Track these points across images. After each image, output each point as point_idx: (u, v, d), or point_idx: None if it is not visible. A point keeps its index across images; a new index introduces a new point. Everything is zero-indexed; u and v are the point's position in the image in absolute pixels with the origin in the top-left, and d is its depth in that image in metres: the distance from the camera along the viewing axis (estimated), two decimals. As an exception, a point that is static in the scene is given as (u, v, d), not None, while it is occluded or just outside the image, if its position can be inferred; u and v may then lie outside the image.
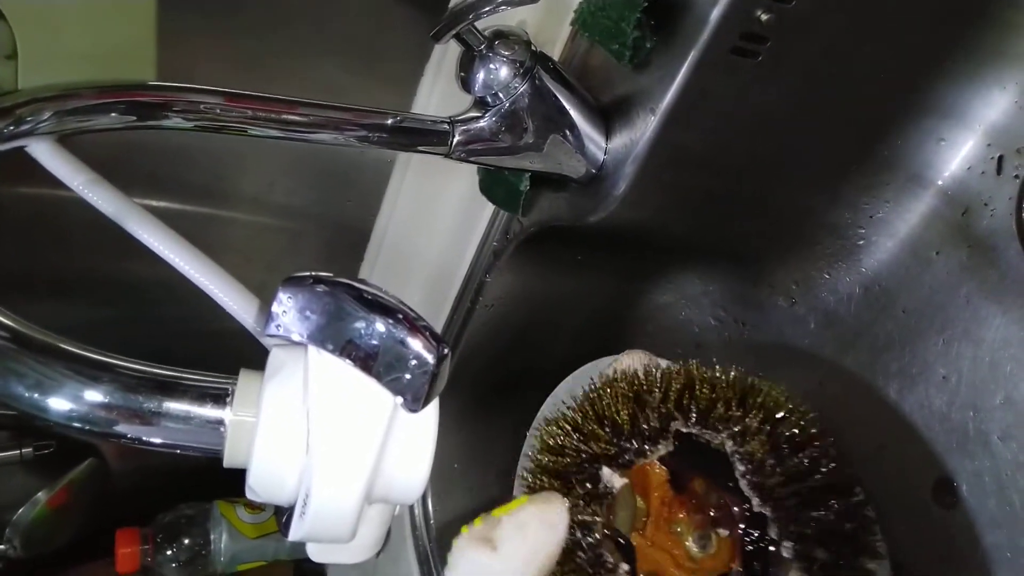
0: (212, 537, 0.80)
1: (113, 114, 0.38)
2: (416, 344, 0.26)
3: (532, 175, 0.53)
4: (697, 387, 0.34)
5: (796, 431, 0.34)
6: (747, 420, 0.33)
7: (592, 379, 0.39)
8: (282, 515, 0.29)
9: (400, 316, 0.26)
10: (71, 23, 0.41)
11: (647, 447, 0.33)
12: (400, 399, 0.26)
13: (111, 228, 0.37)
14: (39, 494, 0.72)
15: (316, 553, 0.30)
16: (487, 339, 0.64)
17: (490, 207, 0.60)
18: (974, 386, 0.48)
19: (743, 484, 0.32)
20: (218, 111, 0.41)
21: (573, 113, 0.47)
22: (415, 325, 0.26)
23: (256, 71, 0.57)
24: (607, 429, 0.34)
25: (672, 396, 0.34)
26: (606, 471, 0.33)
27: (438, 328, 0.67)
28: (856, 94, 0.48)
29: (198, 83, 0.41)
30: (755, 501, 0.32)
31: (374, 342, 0.26)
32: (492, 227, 0.61)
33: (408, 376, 0.26)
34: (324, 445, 0.26)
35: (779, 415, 0.34)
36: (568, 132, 0.47)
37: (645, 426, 0.33)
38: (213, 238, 0.67)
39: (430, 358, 0.26)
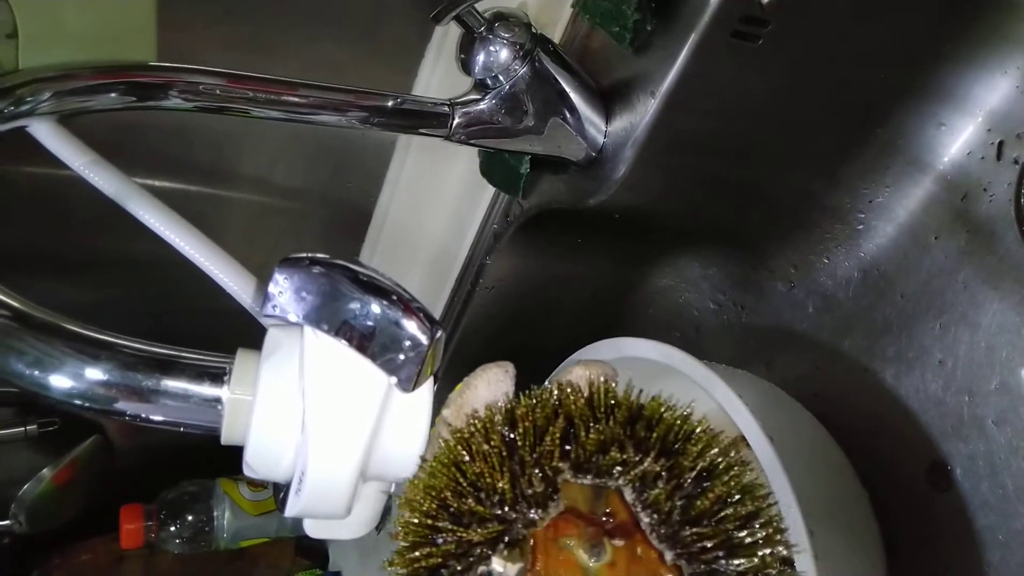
0: (215, 514, 0.81)
1: (113, 94, 0.39)
2: (411, 326, 0.26)
3: (532, 158, 0.53)
4: (578, 424, 0.28)
5: (699, 463, 0.28)
6: (646, 464, 0.27)
7: (446, 431, 0.31)
8: (279, 492, 0.29)
9: (395, 298, 0.26)
10: (71, 3, 0.41)
11: (536, 514, 0.27)
12: (394, 379, 0.26)
13: (113, 208, 0.37)
14: (44, 470, 0.73)
15: (313, 529, 0.31)
16: (487, 321, 0.65)
17: (490, 189, 0.60)
18: (970, 371, 0.48)
19: (651, 537, 0.27)
20: (218, 92, 0.41)
21: (573, 96, 0.47)
22: (410, 307, 0.26)
23: (256, 52, 0.57)
24: (485, 503, 0.27)
25: (553, 447, 0.27)
26: (497, 564, 0.27)
27: (438, 309, 0.67)
28: (856, 78, 0.48)
29: (198, 64, 0.41)
30: (668, 555, 0.27)
31: (369, 323, 0.26)
32: (492, 209, 0.61)
33: (402, 357, 0.26)
34: (319, 424, 0.26)
35: (676, 445, 0.28)
36: (568, 115, 0.47)
37: (529, 491, 0.27)
38: (215, 218, 0.67)
39: (424, 339, 0.26)
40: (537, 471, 0.27)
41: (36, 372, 0.26)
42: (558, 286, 0.65)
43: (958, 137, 0.50)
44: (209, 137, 0.62)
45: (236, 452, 0.28)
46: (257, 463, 0.27)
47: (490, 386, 0.31)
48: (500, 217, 0.60)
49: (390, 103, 0.45)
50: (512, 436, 0.28)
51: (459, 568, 0.27)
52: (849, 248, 0.56)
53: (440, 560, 0.27)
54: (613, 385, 0.30)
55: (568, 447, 0.27)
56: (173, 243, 0.36)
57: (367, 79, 0.47)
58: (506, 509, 0.27)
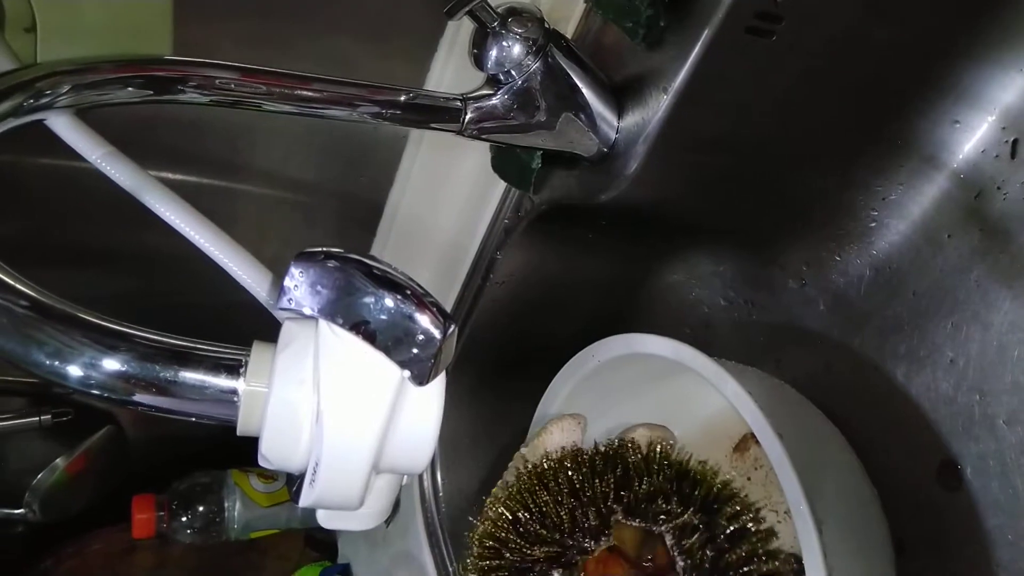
0: (226, 505, 0.82)
1: (130, 88, 0.39)
2: (424, 320, 0.26)
3: (544, 153, 0.53)
4: (633, 476, 0.34)
5: (734, 524, 0.34)
6: (686, 516, 0.33)
7: (522, 465, 0.39)
8: (293, 482, 0.30)
9: (408, 292, 0.26)
10: (89, -3, 0.41)
11: (589, 544, 0.34)
12: (407, 373, 0.27)
13: (128, 200, 0.37)
14: (57, 460, 0.73)
15: (326, 519, 0.31)
16: (498, 315, 0.65)
17: (502, 184, 0.60)
18: (981, 369, 0.48)
19: None
20: (233, 86, 0.41)
21: (585, 91, 0.47)
22: (423, 301, 0.26)
23: (270, 47, 0.57)
24: (548, 528, 0.34)
25: (609, 490, 0.34)
26: None
27: (449, 304, 0.67)
28: (871, 74, 0.48)
29: (213, 58, 0.41)
30: None
31: (383, 317, 0.26)
32: (504, 204, 0.61)
33: (415, 351, 0.26)
34: (333, 415, 0.26)
35: (715, 505, 0.34)
36: (580, 110, 0.48)
37: (586, 523, 0.33)
38: (228, 211, 0.68)
39: (437, 334, 0.26)
40: (593, 508, 0.33)
41: (55, 362, 0.26)
42: (569, 281, 0.65)
43: (973, 135, 0.50)
44: (223, 131, 0.62)
45: (247, 443, 0.28)
46: (272, 454, 0.27)
47: (563, 432, 0.39)
48: (511, 212, 0.60)
49: (402, 98, 0.45)
50: (577, 476, 0.35)
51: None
52: (861, 246, 0.56)
53: (506, 573, 0.34)
54: (669, 447, 0.37)
55: (623, 492, 0.34)
56: (188, 236, 0.36)
57: (380, 73, 0.47)
58: (564, 536, 0.33)
